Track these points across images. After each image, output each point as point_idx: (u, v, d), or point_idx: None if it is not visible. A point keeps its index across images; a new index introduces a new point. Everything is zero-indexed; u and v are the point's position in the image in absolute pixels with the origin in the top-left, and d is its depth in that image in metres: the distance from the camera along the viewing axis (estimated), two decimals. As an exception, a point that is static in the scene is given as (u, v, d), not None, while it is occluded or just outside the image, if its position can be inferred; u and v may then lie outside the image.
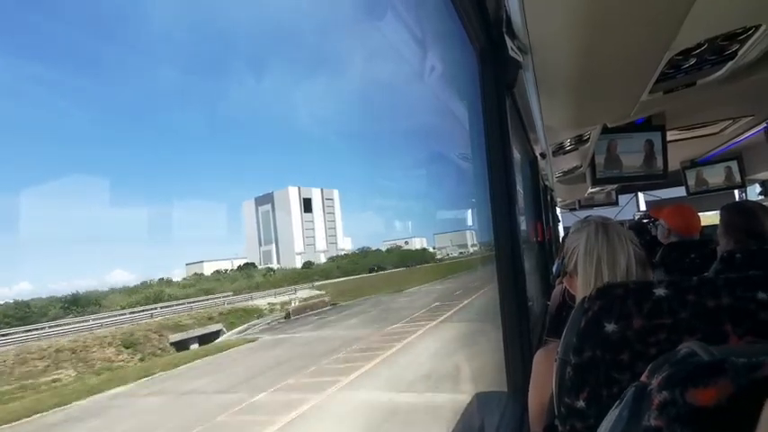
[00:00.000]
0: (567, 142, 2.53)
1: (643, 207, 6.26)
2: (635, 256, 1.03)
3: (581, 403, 0.68)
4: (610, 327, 0.66)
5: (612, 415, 0.41)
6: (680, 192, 5.17)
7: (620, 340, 0.65)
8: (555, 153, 2.71)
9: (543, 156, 2.70)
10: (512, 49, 1.38)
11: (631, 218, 6.45)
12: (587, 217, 1.19)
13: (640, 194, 6.13)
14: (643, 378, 0.40)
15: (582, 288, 1.05)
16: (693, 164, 4.93)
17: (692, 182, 5.00)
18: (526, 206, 3.48)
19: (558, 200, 5.97)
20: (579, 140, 2.52)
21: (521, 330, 1.43)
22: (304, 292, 36.18)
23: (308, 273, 57.70)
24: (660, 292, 0.63)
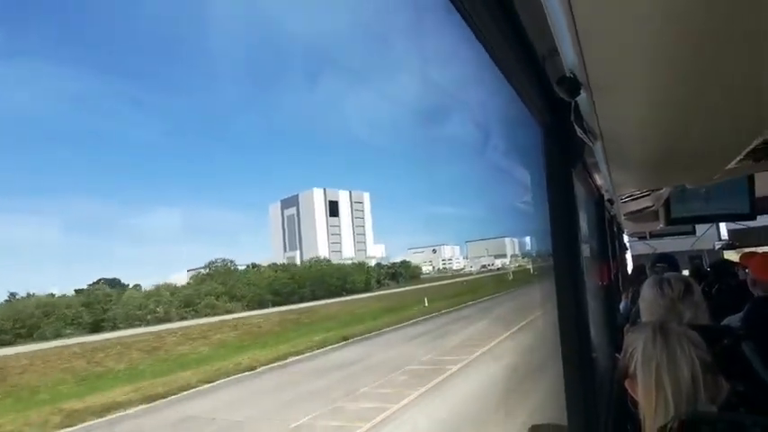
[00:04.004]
0: (639, 191, 2.49)
1: (725, 235, 5.87)
2: (701, 364, 1.00)
3: None
4: None
5: None
6: (772, 219, 4.83)
7: None
8: (624, 200, 2.67)
9: (611, 202, 2.67)
10: (580, 134, 1.42)
11: (711, 248, 6.06)
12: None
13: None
14: None
15: (644, 398, 1.05)
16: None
17: None
18: (589, 247, 3.43)
19: (626, 229, 5.76)
20: (654, 189, 2.47)
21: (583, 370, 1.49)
22: None
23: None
24: None
